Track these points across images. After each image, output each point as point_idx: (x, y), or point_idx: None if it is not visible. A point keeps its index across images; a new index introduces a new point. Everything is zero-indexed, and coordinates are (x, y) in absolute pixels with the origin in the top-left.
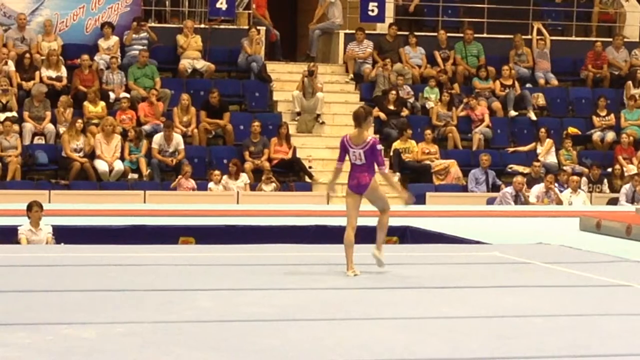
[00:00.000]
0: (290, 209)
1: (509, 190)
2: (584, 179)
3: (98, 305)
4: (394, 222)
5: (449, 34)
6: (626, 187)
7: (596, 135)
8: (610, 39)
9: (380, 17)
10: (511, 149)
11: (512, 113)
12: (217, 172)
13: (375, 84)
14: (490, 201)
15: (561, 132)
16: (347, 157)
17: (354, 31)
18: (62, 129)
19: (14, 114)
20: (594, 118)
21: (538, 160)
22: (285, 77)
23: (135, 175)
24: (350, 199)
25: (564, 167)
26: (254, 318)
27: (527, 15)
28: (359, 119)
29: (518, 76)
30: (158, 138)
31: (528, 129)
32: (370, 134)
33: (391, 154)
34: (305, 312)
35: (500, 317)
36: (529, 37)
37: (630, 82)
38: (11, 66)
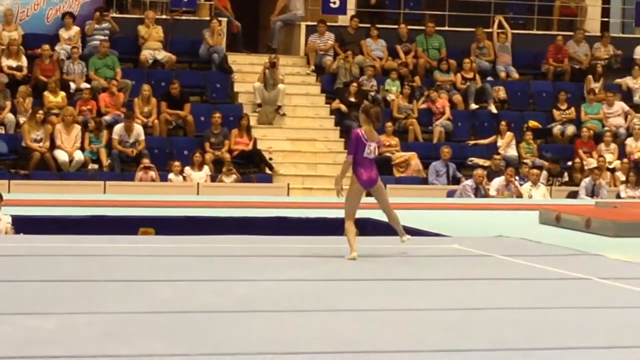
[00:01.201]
0: (251, 201)
1: (469, 183)
2: (544, 172)
3: (57, 295)
4: None
5: (410, 27)
6: (586, 181)
7: (556, 129)
8: (572, 33)
9: (342, 10)
10: (472, 142)
11: (473, 106)
12: (177, 163)
13: (336, 76)
14: (451, 194)
15: (522, 125)
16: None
17: (315, 23)
18: (22, 119)
19: None
20: (555, 112)
21: (498, 153)
22: (246, 69)
23: (96, 166)
24: (357, 195)
25: (524, 160)
26: (214, 309)
27: (488, 8)
28: (379, 118)
29: (479, 69)
30: (118, 129)
31: (489, 122)
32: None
33: None
34: (265, 304)
35: (460, 309)
36: (491, 30)
37: (590, 76)
38: None
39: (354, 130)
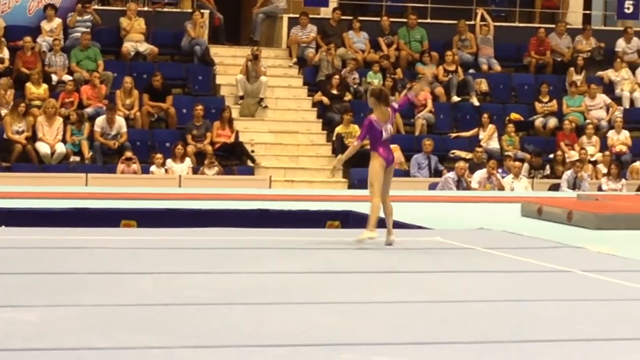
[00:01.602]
0: (233, 193)
1: (451, 175)
2: (526, 165)
3: (40, 288)
4: (336, 206)
5: (392, 19)
6: (567, 174)
7: (538, 121)
8: (553, 26)
9: (324, 2)
10: (454, 135)
11: (455, 98)
12: (159, 155)
13: (318, 68)
14: (433, 186)
15: (504, 117)
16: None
17: (297, 15)
18: (3, 111)
19: None
20: (537, 104)
21: (480, 146)
22: (228, 61)
23: (77, 158)
24: (382, 170)
25: (506, 153)
26: (196, 301)
27: (470, 0)
28: (383, 97)
29: (461, 62)
30: (100, 121)
31: (471, 114)
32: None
33: (334, 138)
34: (246, 296)
35: (442, 302)
36: (473, 22)
37: (572, 69)
38: None
39: (367, 117)
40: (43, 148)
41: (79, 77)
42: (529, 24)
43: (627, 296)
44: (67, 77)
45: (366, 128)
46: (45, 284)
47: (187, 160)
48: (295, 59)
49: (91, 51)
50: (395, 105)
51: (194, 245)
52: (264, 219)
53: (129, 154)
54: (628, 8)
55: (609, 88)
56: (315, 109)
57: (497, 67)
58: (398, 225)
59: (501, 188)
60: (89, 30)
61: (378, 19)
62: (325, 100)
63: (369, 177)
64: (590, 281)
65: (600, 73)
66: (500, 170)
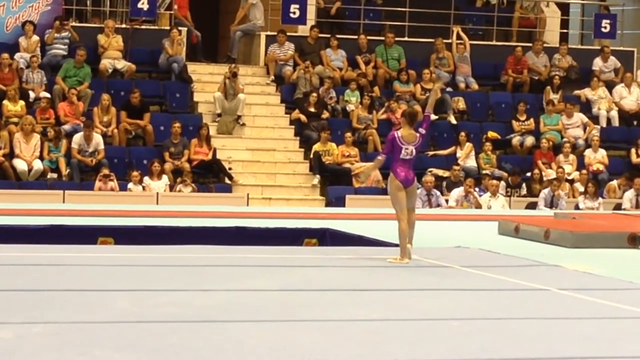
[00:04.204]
0: (210, 210)
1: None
2: (503, 183)
3: (15, 305)
4: (313, 224)
5: (370, 37)
6: (545, 192)
7: (516, 140)
8: (530, 44)
9: (302, 20)
10: (431, 153)
11: (432, 117)
12: (136, 172)
13: (296, 86)
14: None
15: (481, 136)
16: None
17: (275, 33)
18: None
19: None
20: (514, 122)
21: (458, 164)
22: (206, 78)
23: (55, 175)
24: (401, 194)
25: (484, 171)
26: (173, 319)
27: (448, 19)
28: (416, 118)
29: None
30: (78, 138)
31: (448, 132)
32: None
33: (311, 156)
34: (224, 314)
35: (418, 320)
36: (450, 41)
37: (549, 87)
38: None
39: (391, 132)
40: (20, 165)
41: (58, 90)
42: (506, 42)
43: (603, 314)
44: (44, 94)
45: (389, 143)
46: (22, 301)
47: (164, 178)
48: (272, 77)
49: (84, 70)
50: (423, 131)
51: (171, 263)
52: (242, 236)
53: (106, 171)
54: (605, 27)
55: (586, 107)
56: (293, 126)
57: (475, 86)
58: (376, 243)
59: (478, 206)
60: (67, 47)
61: (356, 37)
62: (303, 118)
63: (391, 202)
64: (567, 299)
65: (577, 92)
66: (477, 189)
